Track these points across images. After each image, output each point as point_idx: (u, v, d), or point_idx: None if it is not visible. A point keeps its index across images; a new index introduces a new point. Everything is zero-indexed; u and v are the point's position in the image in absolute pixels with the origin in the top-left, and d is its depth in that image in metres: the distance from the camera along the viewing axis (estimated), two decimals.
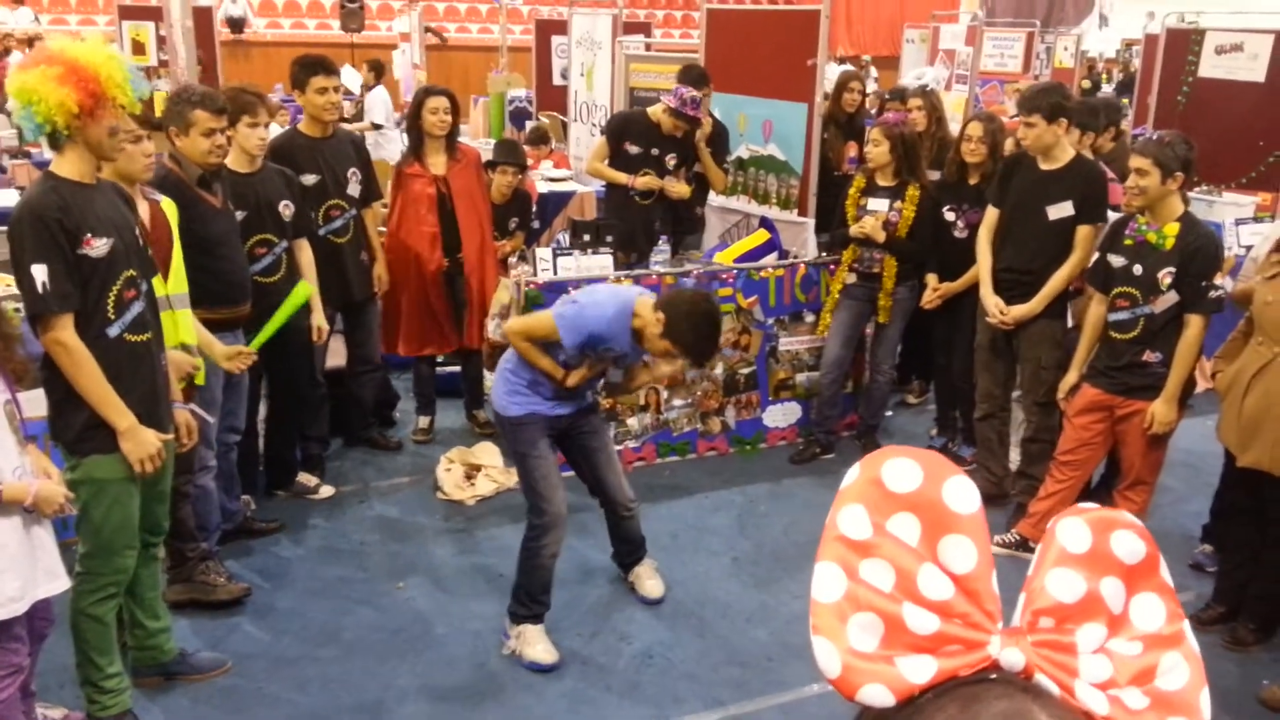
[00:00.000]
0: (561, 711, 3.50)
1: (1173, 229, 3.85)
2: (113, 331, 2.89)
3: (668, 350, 3.46)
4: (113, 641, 3.11)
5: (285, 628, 3.89)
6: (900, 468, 0.88)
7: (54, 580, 2.83)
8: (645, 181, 5.60)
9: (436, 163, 5.12)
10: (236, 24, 15.33)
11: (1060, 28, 15.95)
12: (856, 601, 0.85)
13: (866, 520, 0.87)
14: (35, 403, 3.04)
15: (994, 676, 0.82)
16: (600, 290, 3.69)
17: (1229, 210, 6.54)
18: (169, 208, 3.49)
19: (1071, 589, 0.87)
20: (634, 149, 5.62)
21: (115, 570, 3.04)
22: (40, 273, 2.72)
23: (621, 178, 5.64)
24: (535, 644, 3.71)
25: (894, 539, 0.87)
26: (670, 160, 5.64)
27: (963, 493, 0.87)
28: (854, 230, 5.07)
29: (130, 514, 3.03)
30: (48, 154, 3.79)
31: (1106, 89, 16.18)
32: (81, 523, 2.98)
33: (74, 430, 2.90)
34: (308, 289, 4.11)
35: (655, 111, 5.62)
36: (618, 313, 3.48)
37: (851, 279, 5.22)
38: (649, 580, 4.16)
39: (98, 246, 2.80)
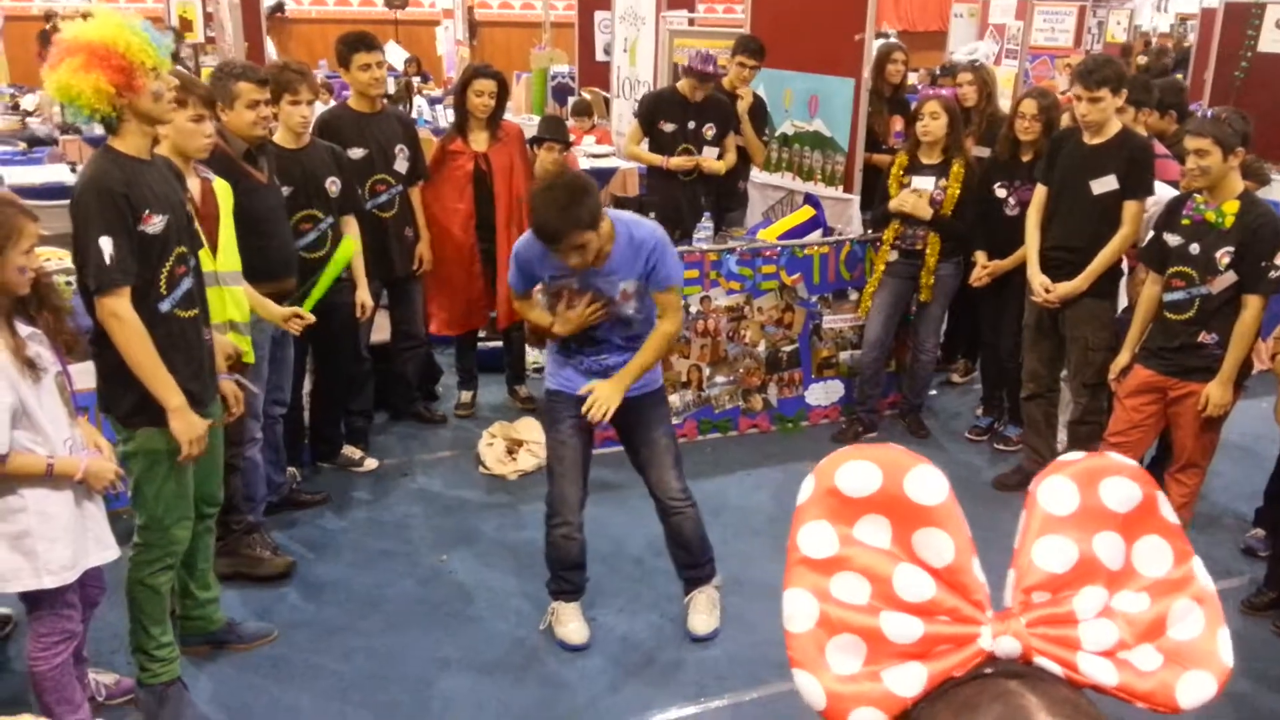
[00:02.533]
0: (602, 688, 3.51)
1: (1232, 207, 3.75)
2: (164, 307, 2.92)
3: (568, 252, 3.17)
4: (166, 611, 3.16)
5: (330, 599, 3.94)
6: (855, 471, 0.83)
7: (104, 549, 2.88)
8: (679, 161, 5.57)
9: (479, 139, 5.12)
10: (279, 6, 15.42)
11: (1113, 1, 15.57)
12: (831, 624, 0.80)
13: (830, 534, 0.83)
14: (85, 374, 3.09)
15: (990, 671, 0.78)
16: None
17: None
18: (221, 187, 3.52)
19: (1062, 556, 0.81)
20: (669, 126, 5.59)
21: (172, 541, 3.08)
22: (107, 245, 2.73)
23: (657, 160, 5.63)
24: (566, 622, 3.71)
25: (863, 546, 0.82)
26: (708, 131, 5.60)
27: (927, 483, 0.82)
28: (893, 205, 5.00)
29: (185, 485, 3.06)
30: (97, 129, 3.77)
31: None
32: (137, 495, 3.02)
33: (126, 404, 2.93)
34: (351, 245, 4.13)
35: (683, 85, 5.60)
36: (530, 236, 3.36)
37: (894, 256, 5.16)
38: (699, 615, 3.77)
39: (155, 223, 2.83)
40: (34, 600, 2.81)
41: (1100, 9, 13.51)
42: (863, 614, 0.80)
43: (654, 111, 5.68)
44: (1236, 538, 4.50)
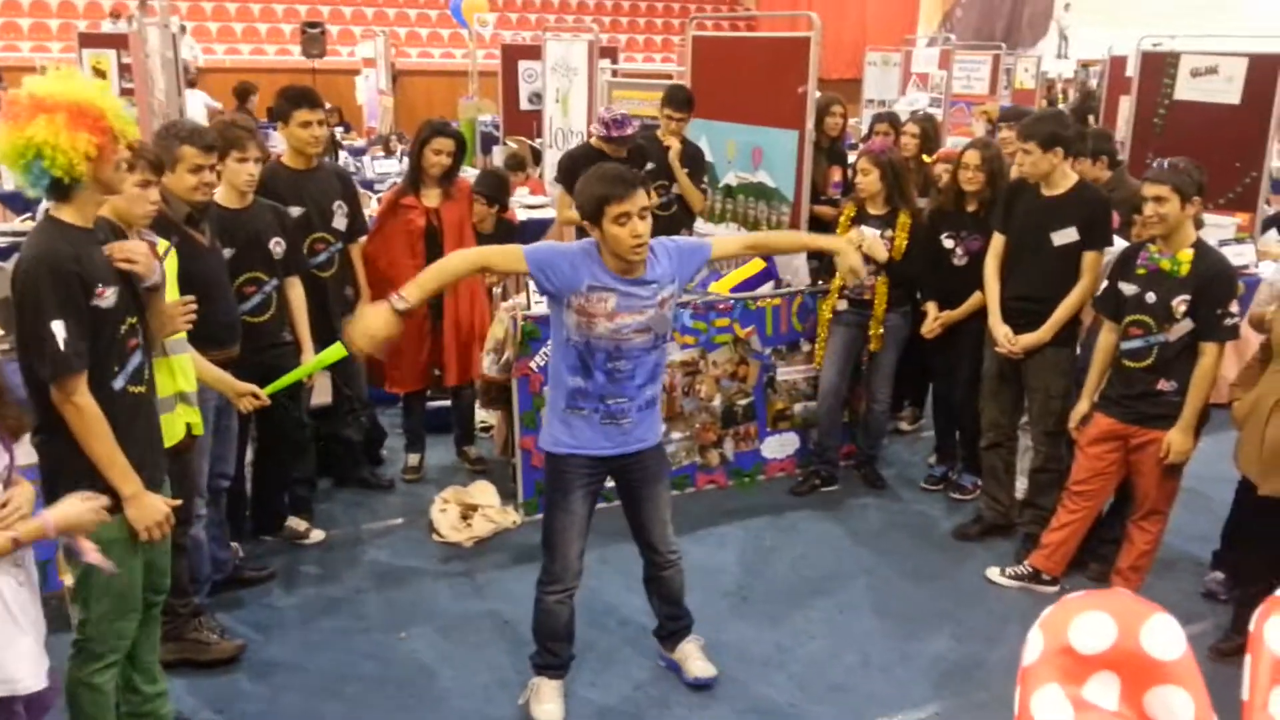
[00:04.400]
0: None
1: (1186, 256, 3.82)
2: (118, 384, 2.72)
3: (619, 217, 3.06)
4: (111, 712, 2.92)
5: (286, 684, 3.71)
6: (1089, 624, 0.78)
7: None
8: None
9: (431, 195, 4.99)
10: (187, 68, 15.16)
11: (1018, 50, 16.15)
12: None
13: (1062, 700, 0.78)
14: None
15: None
16: None
17: (1210, 232, 6.57)
18: (165, 250, 3.33)
19: None
20: None
21: (118, 636, 2.85)
22: (60, 329, 2.53)
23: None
24: (544, 701, 3.54)
25: (1097, 710, 0.77)
26: None
27: (1164, 636, 0.78)
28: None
29: (135, 578, 2.84)
30: None
31: (1061, 109, 16.38)
32: (82, 588, 2.79)
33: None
34: (342, 351, 3.95)
35: (598, 142, 5.54)
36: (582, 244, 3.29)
37: (843, 305, 5.15)
38: (697, 661, 3.76)
39: (108, 296, 2.64)
40: None
41: (1009, 57, 14.00)
42: None
43: (574, 174, 5.62)
44: (1196, 581, 4.54)
